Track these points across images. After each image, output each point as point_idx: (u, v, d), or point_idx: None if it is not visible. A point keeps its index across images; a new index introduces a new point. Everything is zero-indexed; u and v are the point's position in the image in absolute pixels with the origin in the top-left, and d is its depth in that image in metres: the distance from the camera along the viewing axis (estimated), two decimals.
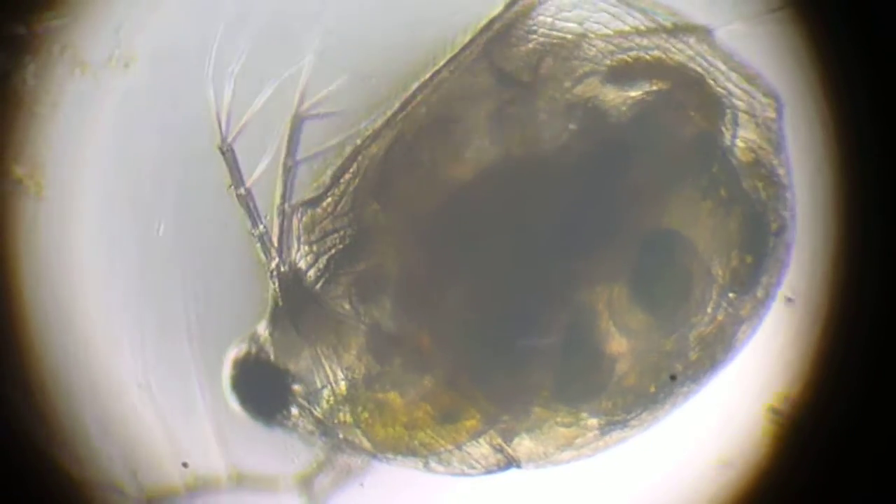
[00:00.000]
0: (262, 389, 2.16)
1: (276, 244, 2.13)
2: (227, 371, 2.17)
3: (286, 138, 2.14)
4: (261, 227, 2.14)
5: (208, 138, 2.15)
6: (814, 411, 2.19)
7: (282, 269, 2.13)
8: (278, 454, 2.20)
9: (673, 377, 2.11)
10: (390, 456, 2.15)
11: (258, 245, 2.14)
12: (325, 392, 2.14)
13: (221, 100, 2.14)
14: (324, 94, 2.15)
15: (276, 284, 2.13)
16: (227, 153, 2.14)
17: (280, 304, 2.13)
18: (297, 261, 2.13)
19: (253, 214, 2.14)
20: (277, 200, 2.14)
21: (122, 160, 2.20)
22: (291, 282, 2.13)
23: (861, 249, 2.18)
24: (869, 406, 2.18)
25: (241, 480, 2.21)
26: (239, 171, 2.14)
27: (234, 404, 2.17)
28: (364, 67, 2.15)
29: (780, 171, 2.11)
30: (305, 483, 2.21)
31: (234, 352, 2.17)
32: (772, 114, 2.12)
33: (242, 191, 2.14)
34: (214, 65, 2.14)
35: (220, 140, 2.14)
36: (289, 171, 2.14)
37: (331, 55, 2.15)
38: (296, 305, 2.13)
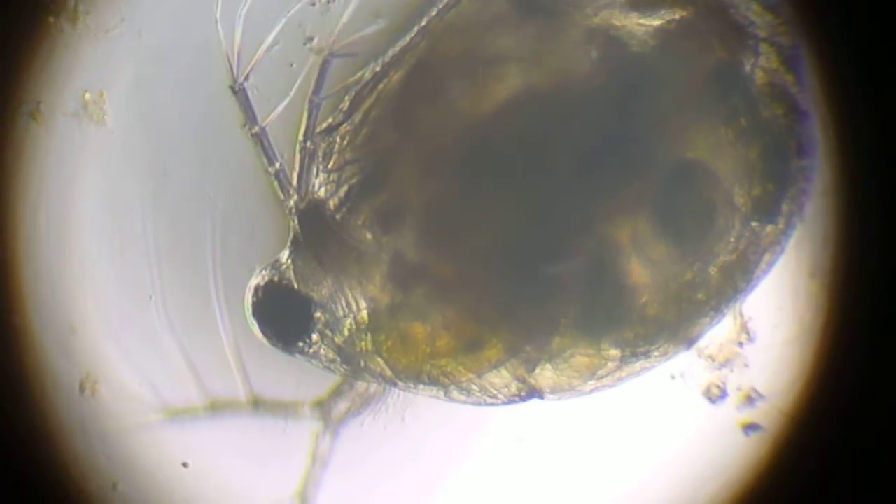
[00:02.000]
0: (284, 316, 2.16)
1: (294, 180, 2.13)
2: (249, 298, 2.17)
3: (315, 76, 2.15)
4: (277, 164, 2.14)
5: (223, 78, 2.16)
6: (813, 412, 2.20)
7: (300, 206, 2.13)
8: (298, 379, 2.20)
9: (672, 377, 2.12)
10: (411, 384, 2.15)
11: (275, 182, 2.14)
12: (347, 320, 2.13)
13: (231, 39, 2.14)
14: (357, 36, 2.15)
15: (296, 221, 2.13)
16: (240, 92, 2.14)
17: (301, 239, 2.13)
18: (316, 190, 2.13)
19: (269, 152, 2.14)
20: (300, 137, 2.14)
21: (142, 103, 2.21)
22: (311, 217, 2.12)
23: (861, 249, 2.19)
24: (868, 406, 2.19)
25: (259, 404, 2.21)
26: (252, 109, 2.14)
27: (256, 330, 2.17)
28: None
29: (800, 99, 2.11)
30: (323, 408, 2.21)
31: (256, 279, 2.17)
32: (791, 42, 2.12)
33: (257, 129, 2.15)
34: (223, 4, 2.14)
35: (232, 79, 2.14)
36: (315, 108, 2.14)
37: None
38: (316, 240, 2.13)
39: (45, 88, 2.19)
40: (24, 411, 2.20)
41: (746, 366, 2.16)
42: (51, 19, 2.18)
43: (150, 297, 2.21)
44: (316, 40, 2.16)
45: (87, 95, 2.17)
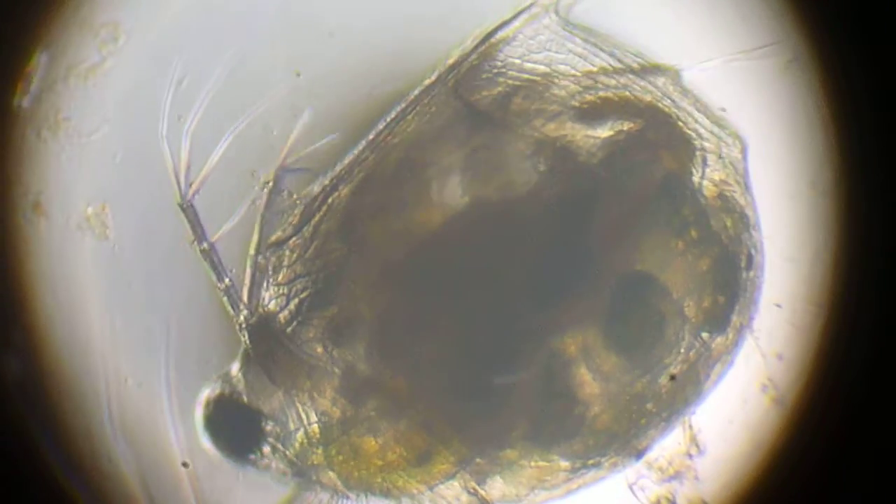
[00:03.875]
0: (235, 430, 2.15)
1: (245, 295, 2.13)
2: (199, 411, 2.17)
3: (266, 191, 2.14)
4: (226, 279, 2.14)
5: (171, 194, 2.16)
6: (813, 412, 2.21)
7: (251, 320, 2.13)
8: (250, 491, 2.20)
9: (672, 377, 2.12)
10: (363, 496, 2.15)
11: (224, 298, 2.14)
12: (299, 433, 2.13)
13: (177, 156, 2.13)
14: (310, 150, 2.15)
15: (245, 337, 2.13)
16: (188, 209, 2.13)
17: (251, 353, 2.13)
18: (266, 304, 2.13)
19: (217, 268, 2.14)
20: (251, 251, 2.14)
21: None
22: (261, 331, 2.12)
23: (860, 250, 2.19)
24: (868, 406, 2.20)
25: None
26: (200, 226, 2.13)
27: (206, 444, 2.16)
28: (332, 110, 2.15)
29: (748, 210, 2.12)
30: None
31: (206, 392, 2.17)
32: (738, 153, 2.12)
33: (206, 245, 2.14)
34: (169, 122, 2.13)
35: (180, 196, 2.14)
36: (266, 222, 2.14)
37: (297, 101, 2.16)
38: (267, 354, 2.12)
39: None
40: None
41: (696, 478, 2.17)
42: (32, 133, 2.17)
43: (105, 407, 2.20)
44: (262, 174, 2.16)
45: (90, 209, 2.17)
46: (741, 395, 2.17)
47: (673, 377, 2.11)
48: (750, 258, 2.12)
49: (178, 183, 2.14)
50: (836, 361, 2.19)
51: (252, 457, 2.16)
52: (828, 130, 2.17)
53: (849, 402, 2.19)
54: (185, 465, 2.19)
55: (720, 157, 2.12)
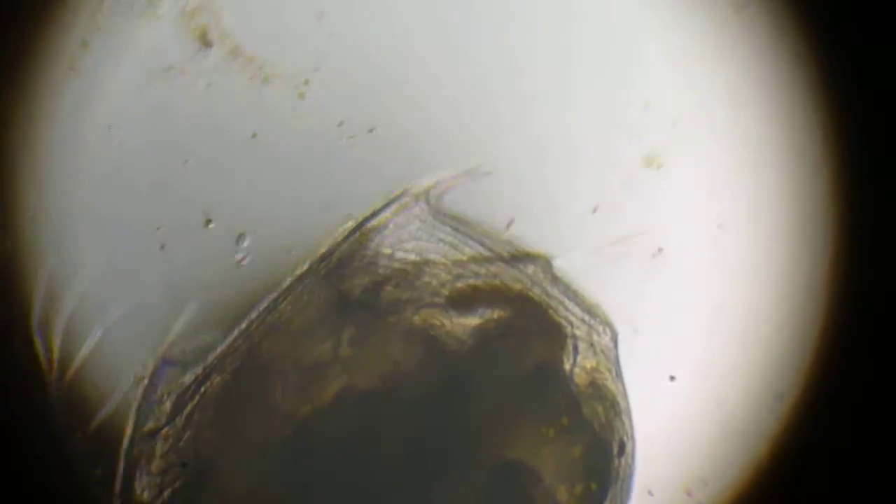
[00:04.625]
0: None
1: (119, 484, 2.12)
2: None
3: (144, 381, 2.15)
4: (98, 471, 2.13)
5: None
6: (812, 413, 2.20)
7: None
8: None
9: (672, 378, 2.11)
10: None
11: (99, 487, 2.13)
12: None
13: (49, 350, 2.14)
14: (193, 344, 2.16)
15: None
16: (60, 402, 2.14)
17: None
18: (140, 494, 2.12)
19: (92, 458, 2.14)
20: (126, 439, 2.14)
21: None
22: None
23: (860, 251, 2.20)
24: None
25: None
26: (73, 417, 2.14)
27: None
28: (211, 299, 2.17)
29: (619, 397, 2.13)
30: None
31: None
32: (609, 341, 2.14)
33: (79, 437, 2.14)
34: (41, 315, 2.15)
35: (52, 388, 2.14)
36: (143, 412, 2.14)
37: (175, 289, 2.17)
38: None
39: None
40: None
41: None
42: None
43: None
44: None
45: None
46: None
47: (672, 377, 2.12)
48: (622, 445, 2.12)
49: (51, 375, 2.15)
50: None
51: None
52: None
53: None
54: (184, 464, 2.18)
55: (591, 344, 2.13)
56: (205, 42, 2.15)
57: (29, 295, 2.16)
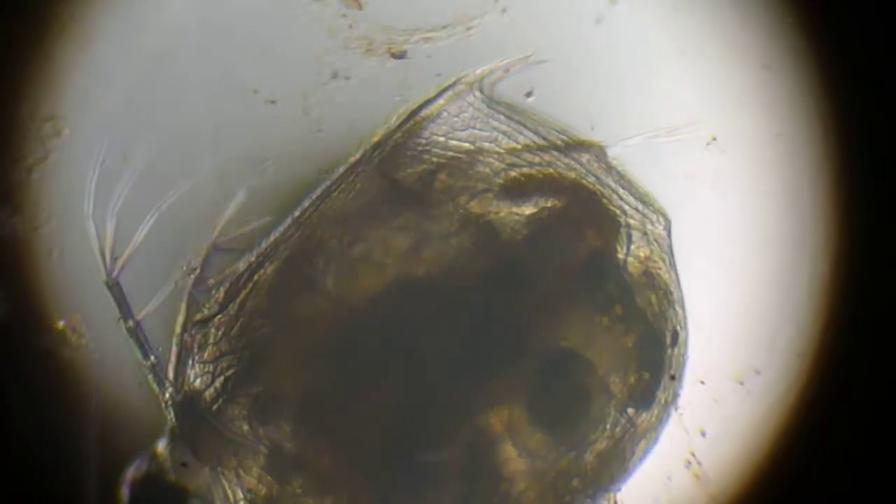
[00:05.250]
0: None
1: (171, 373, 2.13)
2: (125, 490, 2.16)
3: (193, 270, 2.15)
4: (152, 358, 2.14)
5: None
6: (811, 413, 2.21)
7: (176, 398, 2.12)
8: None
9: (672, 377, 2.12)
10: None
11: (150, 376, 2.14)
12: None
13: (103, 234, 2.14)
14: (241, 231, 2.15)
15: (171, 414, 2.12)
16: (114, 287, 2.14)
17: (176, 431, 2.13)
18: (192, 382, 2.13)
19: (143, 346, 2.14)
20: (178, 329, 2.14)
21: None
22: (186, 409, 2.12)
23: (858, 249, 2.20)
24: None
25: None
26: (127, 304, 2.14)
27: None
28: (265, 190, 2.16)
29: (673, 287, 2.13)
30: None
31: (131, 470, 2.16)
32: (663, 230, 2.13)
33: (131, 324, 2.14)
34: (94, 200, 2.14)
35: (106, 275, 2.14)
36: (193, 300, 2.14)
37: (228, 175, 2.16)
38: (192, 432, 2.12)
39: None
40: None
41: None
42: None
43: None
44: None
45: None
46: (665, 472, 2.17)
47: (672, 377, 2.12)
48: (675, 335, 2.13)
49: (104, 261, 2.14)
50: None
51: None
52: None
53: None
54: (183, 464, 2.19)
55: (645, 233, 2.12)
56: None
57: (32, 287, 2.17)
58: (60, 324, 2.19)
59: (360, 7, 2.09)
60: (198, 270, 2.15)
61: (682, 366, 2.13)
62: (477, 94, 2.14)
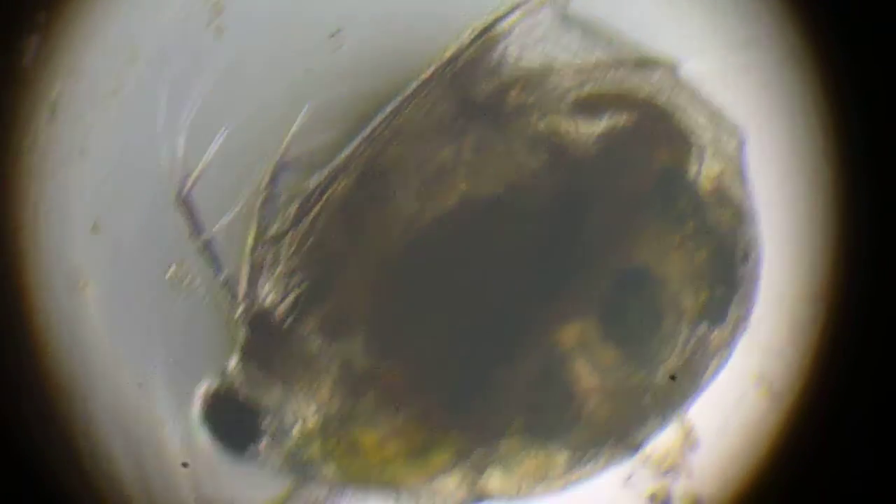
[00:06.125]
0: (233, 424, 2.16)
1: (242, 289, 2.13)
2: (197, 406, 2.17)
3: (264, 184, 2.15)
4: (224, 274, 2.14)
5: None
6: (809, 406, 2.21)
7: (248, 314, 2.13)
8: (248, 485, 2.20)
9: (672, 377, 2.13)
10: (361, 489, 2.15)
11: (223, 291, 2.14)
12: (297, 427, 2.14)
13: (174, 150, 2.14)
14: (308, 146, 2.15)
15: (244, 331, 2.13)
16: (185, 204, 2.14)
17: (249, 347, 2.13)
18: (264, 299, 2.13)
19: (215, 263, 2.14)
20: (249, 245, 2.14)
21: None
22: (259, 326, 2.13)
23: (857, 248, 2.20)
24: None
25: None
26: (198, 220, 2.14)
27: (204, 438, 2.17)
28: (331, 105, 2.16)
29: (745, 203, 2.12)
30: None
31: (204, 387, 2.17)
32: (734, 147, 2.13)
33: (203, 239, 2.14)
34: (167, 117, 2.14)
35: (176, 191, 2.14)
36: (264, 216, 2.14)
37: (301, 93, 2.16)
38: (264, 348, 2.13)
39: None
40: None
41: (691, 473, 2.17)
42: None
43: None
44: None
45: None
46: (737, 390, 2.18)
47: (673, 377, 2.12)
48: (747, 251, 2.13)
49: (176, 178, 2.14)
50: (833, 356, 2.19)
51: (250, 451, 2.16)
52: (824, 125, 2.18)
53: (845, 396, 2.20)
54: (184, 465, 2.19)
55: (717, 150, 2.12)
56: None
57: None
58: (170, 271, 2.19)
59: None
60: (267, 188, 2.15)
61: (753, 283, 2.13)
62: (549, 10, 2.13)
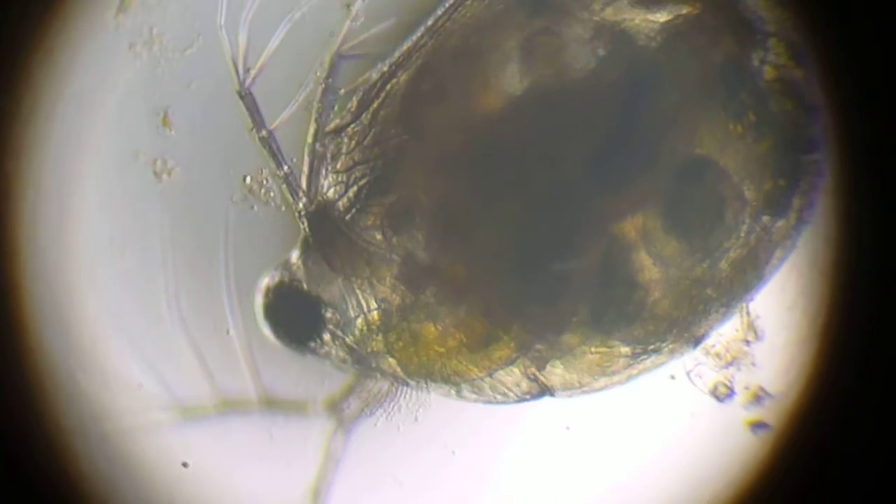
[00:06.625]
0: (295, 317, 2.16)
1: (304, 183, 2.13)
2: (259, 298, 2.18)
3: (323, 77, 2.14)
4: (286, 167, 2.14)
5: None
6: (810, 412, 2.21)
7: (310, 207, 2.13)
8: (309, 379, 2.21)
9: (672, 377, 2.12)
10: (423, 383, 2.15)
11: (284, 185, 2.14)
12: (359, 320, 2.14)
13: (235, 44, 2.13)
14: (365, 36, 2.14)
15: (305, 224, 2.13)
16: (246, 97, 2.14)
17: (311, 241, 2.13)
18: (325, 191, 2.13)
19: (277, 155, 2.14)
20: (309, 139, 2.14)
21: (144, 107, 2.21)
22: (320, 219, 2.12)
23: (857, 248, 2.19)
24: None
25: (271, 403, 2.21)
26: (259, 114, 2.14)
27: (266, 331, 2.17)
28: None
29: (809, 93, 2.11)
30: (335, 407, 2.22)
31: (266, 280, 2.18)
32: (798, 38, 2.11)
33: (265, 133, 2.14)
34: (228, 10, 2.14)
35: (238, 84, 2.14)
36: (324, 109, 2.14)
37: None
38: (326, 241, 2.13)
39: None
40: (25, 411, 2.20)
41: (754, 364, 2.16)
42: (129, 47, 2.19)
43: (166, 295, 2.21)
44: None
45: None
46: (801, 282, 2.17)
47: (673, 377, 2.13)
48: (811, 141, 2.11)
49: (237, 71, 2.14)
50: None
51: (312, 344, 2.16)
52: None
53: None
54: (184, 465, 2.21)
55: (780, 39, 2.10)
56: None
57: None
58: (246, 180, 2.19)
59: None
60: (327, 80, 2.14)
61: (818, 174, 2.12)
62: None
